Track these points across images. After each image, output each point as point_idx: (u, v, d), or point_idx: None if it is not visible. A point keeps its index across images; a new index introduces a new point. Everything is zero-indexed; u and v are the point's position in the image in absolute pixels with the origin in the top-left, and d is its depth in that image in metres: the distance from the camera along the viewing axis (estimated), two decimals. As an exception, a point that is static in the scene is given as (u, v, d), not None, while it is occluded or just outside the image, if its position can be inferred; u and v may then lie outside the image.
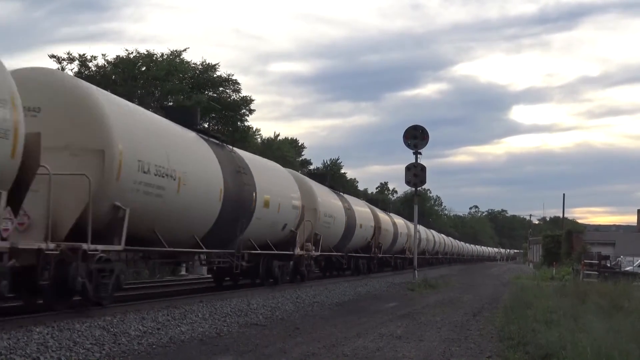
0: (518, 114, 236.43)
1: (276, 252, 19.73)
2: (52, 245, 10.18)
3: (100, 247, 11.26)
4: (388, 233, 37.26)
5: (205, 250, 15.44)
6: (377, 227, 34.61)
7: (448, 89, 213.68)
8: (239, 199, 16.50)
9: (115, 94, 32.41)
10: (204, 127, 16.71)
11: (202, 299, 14.78)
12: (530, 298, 18.18)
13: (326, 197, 25.49)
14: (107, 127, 11.33)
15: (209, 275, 22.91)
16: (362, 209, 32.11)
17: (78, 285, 10.79)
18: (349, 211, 28.40)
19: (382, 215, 37.38)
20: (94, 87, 12.29)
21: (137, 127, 12.71)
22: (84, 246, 10.77)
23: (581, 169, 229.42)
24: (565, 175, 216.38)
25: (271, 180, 19.56)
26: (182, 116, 15.63)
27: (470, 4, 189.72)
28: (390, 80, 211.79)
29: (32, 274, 10.05)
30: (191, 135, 15.31)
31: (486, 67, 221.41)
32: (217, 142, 16.83)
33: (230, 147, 17.73)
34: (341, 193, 30.32)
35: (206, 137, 16.20)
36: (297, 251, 21.02)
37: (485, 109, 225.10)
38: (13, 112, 9.05)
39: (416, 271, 32.32)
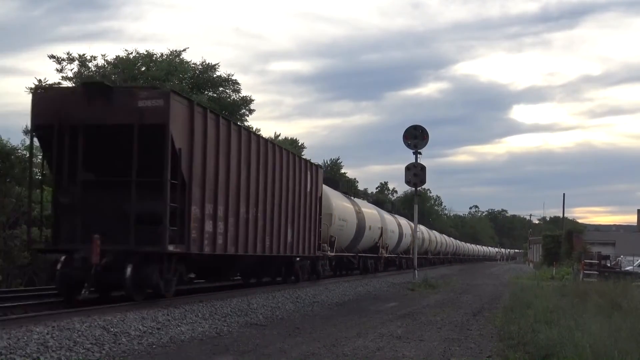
0: (519, 113, 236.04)
1: (370, 255, 33.25)
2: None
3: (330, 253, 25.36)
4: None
5: (349, 254, 29.48)
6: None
7: (449, 88, 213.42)
8: (360, 227, 29.97)
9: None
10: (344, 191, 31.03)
11: (202, 299, 14.78)
12: (530, 298, 18.17)
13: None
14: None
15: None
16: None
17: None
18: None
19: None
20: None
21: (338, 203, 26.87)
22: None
23: (582, 169, 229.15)
24: (566, 175, 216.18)
25: (368, 214, 32.41)
26: (334, 184, 30.67)
27: (471, 3, 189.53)
28: (391, 80, 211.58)
29: None
30: (341, 195, 29.43)
31: (487, 66, 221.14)
32: (348, 195, 31.69)
33: (352, 197, 32.52)
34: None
35: (345, 193, 31.45)
36: (382, 253, 35.15)
37: (486, 109, 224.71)
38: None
39: (416, 271, 32.34)
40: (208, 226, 14.14)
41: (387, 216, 38.49)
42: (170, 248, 12.83)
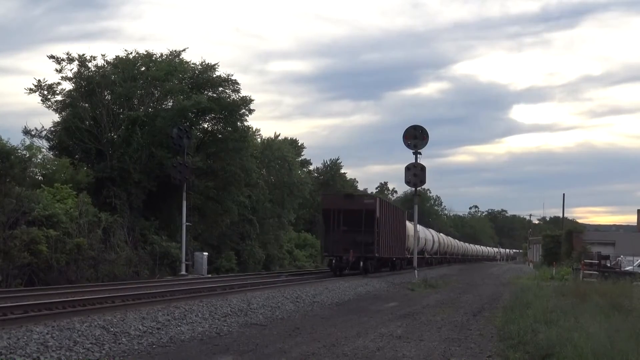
0: (519, 113, 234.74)
1: (420, 256, 44.57)
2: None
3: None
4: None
5: (426, 256, 51.42)
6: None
7: (449, 88, 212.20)
8: (426, 240, 51.18)
9: (114, 94, 32.13)
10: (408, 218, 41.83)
11: (202, 299, 14.79)
12: (530, 298, 18.17)
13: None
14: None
15: (209, 275, 23.86)
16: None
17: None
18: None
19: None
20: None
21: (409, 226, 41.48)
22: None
23: (582, 169, 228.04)
24: (566, 174, 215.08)
25: (420, 230, 45.64)
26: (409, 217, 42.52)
27: (472, 2, 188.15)
28: (391, 79, 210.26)
29: None
30: (407, 221, 41.94)
31: (487, 66, 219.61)
32: (409, 220, 42.03)
33: (411, 221, 41.64)
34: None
35: (409, 219, 41.79)
36: (426, 255, 49.93)
37: (486, 108, 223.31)
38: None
39: (416, 271, 32.37)
40: (382, 245, 32.17)
41: (425, 230, 55.05)
42: (376, 255, 31.15)
